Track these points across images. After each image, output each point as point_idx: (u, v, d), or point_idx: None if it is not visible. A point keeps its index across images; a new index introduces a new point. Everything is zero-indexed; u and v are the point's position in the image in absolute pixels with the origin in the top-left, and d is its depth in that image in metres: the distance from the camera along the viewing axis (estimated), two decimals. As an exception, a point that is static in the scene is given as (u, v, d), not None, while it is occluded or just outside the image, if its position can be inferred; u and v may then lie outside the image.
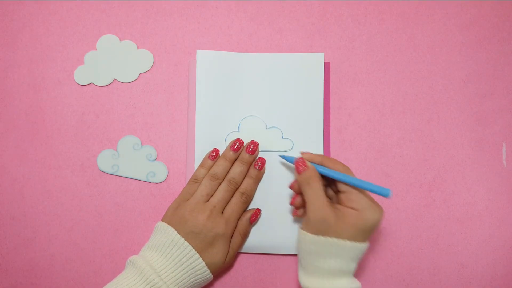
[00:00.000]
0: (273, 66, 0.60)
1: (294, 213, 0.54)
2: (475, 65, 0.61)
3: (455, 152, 0.60)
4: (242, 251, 0.58)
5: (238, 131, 0.59)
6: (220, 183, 0.55)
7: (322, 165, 0.50)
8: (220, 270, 0.54)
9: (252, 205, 0.58)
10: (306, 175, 0.49)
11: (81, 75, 0.61)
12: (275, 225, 0.58)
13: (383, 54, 0.61)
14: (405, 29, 0.61)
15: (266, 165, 0.58)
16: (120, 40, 0.61)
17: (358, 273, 0.58)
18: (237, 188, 0.56)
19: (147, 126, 0.60)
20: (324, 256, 0.47)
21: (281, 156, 0.56)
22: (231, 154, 0.56)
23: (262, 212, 0.58)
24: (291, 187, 0.53)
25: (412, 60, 0.61)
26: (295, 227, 0.58)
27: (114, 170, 0.60)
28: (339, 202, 0.50)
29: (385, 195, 0.45)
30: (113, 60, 0.61)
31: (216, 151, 0.57)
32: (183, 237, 0.52)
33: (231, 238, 0.55)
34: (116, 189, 0.60)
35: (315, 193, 0.48)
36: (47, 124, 0.60)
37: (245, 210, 0.57)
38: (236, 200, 0.55)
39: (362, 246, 0.48)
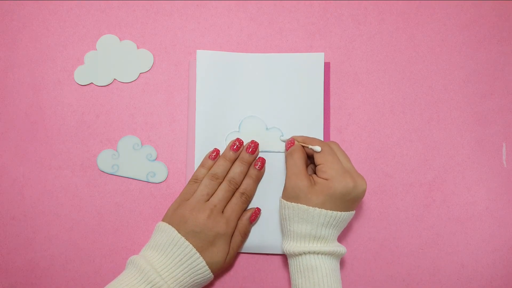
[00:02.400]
0: (273, 66, 0.60)
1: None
2: (475, 65, 0.61)
3: (455, 152, 0.60)
4: (242, 251, 0.58)
5: (238, 131, 0.59)
6: (221, 183, 0.55)
7: (303, 143, 0.54)
8: (220, 270, 0.54)
9: (252, 205, 0.58)
10: (291, 149, 0.54)
11: (81, 75, 0.61)
12: (275, 225, 0.58)
13: (383, 54, 0.61)
14: (405, 29, 0.61)
15: (266, 165, 0.58)
16: (120, 40, 0.61)
17: (358, 273, 0.58)
18: (237, 188, 0.56)
19: (147, 126, 0.60)
20: (296, 221, 0.50)
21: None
22: (231, 154, 0.56)
23: (262, 212, 0.58)
24: None
25: (412, 60, 0.61)
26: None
27: (114, 170, 0.60)
28: (316, 174, 0.52)
29: None
30: (113, 60, 0.61)
31: (216, 151, 0.57)
32: (183, 236, 0.52)
33: (232, 237, 0.55)
34: (116, 189, 0.60)
35: (294, 162, 0.52)
36: (47, 124, 0.60)
37: (245, 209, 0.57)
38: (236, 200, 0.55)
39: (333, 214, 0.49)
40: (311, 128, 0.59)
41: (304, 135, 0.55)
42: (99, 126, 0.60)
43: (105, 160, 0.60)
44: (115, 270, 0.59)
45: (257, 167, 0.57)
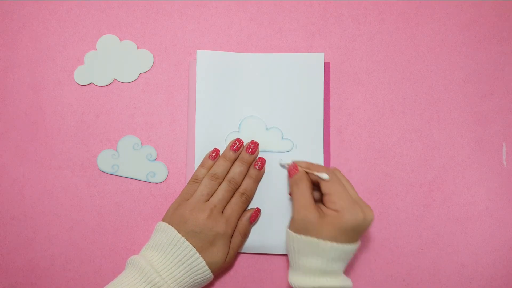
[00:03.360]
0: (273, 66, 0.60)
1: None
2: (475, 65, 0.61)
3: (455, 152, 0.60)
4: (242, 251, 0.58)
5: (238, 131, 0.59)
6: (220, 183, 0.55)
7: (308, 169, 0.52)
8: (220, 270, 0.54)
9: (252, 205, 0.58)
10: (295, 177, 0.52)
11: (81, 75, 0.61)
12: (275, 225, 0.58)
13: (383, 54, 0.61)
14: (405, 29, 0.61)
15: (266, 165, 0.58)
16: (120, 40, 0.61)
17: (358, 273, 0.58)
18: (237, 188, 0.56)
19: (147, 126, 0.60)
20: (305, 255, 0.48)
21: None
22: (231, 154, 0.56)
23: (262, 212, 0.58)
24: (290, 194, 0.55)
25: (412, 60, 0.61)
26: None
27: (114, 170, 0.60)
28: (323, 204, 0.50)
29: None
30: (113, 60, 0.61)
31: (216, 151, 0.57)
32: (183, 236, 0.52)
33: (231, 238, 0.55)
34: (116, 189, 0.60)
35: (301, 192, 0.50)
36: (47, 124, 0.60)
37: (245, 210, 0.57)
38: (236, 200, 0.55)
39: (345, 247, 0.48)
40: (311, 128, 0.59)
41: (308, 161, 0.53)
42: (99, 126, 0.60)
43: (105, 160, 0.60)
44: (115, 270, 0.59)
45: (257, 167, 0.57)
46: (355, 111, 0.60)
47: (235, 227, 0.55)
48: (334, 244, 0.47)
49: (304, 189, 0.50)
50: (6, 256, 0.60)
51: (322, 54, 0.59)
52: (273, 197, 0.58)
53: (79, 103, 0.61)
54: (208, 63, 0.59)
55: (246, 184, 0.56)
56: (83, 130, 0.60)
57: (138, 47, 0.61)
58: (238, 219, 0.56)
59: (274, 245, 0.58)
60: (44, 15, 0.62)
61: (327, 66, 0.60)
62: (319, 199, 0.53)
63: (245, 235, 0.57)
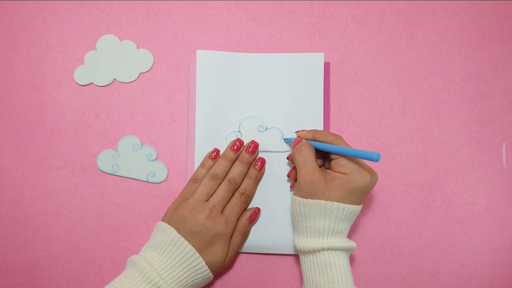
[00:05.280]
0: (273, 66, 0.60)
1: (291, 185, 0.57)
2: (475, 65, 0.61)
3: (455, 152, 0.60)
4: (242, 251, 0.58)
5: (238, 131, 0.59)
6: (220, 183, 0.55)
7: (313, 139, 0.54)
8: (220, 270, 0.54)
9: (252, 205, 0.58)
10: (299, 145, 0.53)
11: (81, 75, 0.61)
12: (275, 225, 0.58)
13: (383, 54, 0.61)
14: (405, 29, 0.61)
15: (266, 165, 0.58)
16: (120, 40, 0.61)
17: (358, 273, 0.58)
18: (237, 188, 0.56)
19: (147, 126, 0.60)
20: (313, 217, 0.50)
21: (285, 139, 0.58)
22: (231, 154, 0.56)
23: (262, 212, 0.58)
24: (288, 157, 0.56)
25: (412, 60, 0.61)
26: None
27: (114, 170, 0.60)
28: (330, 168, 0.52)
29: (374, 159, 0.46)
30: (113, 60, 0.61)
31: (216, 151, 0.57)
32: (183, 236, 0.52)
33: (231, 237, 0.55)
34: (116, 189, 0.60)
35: (305, 159, 0.51)
36: (47, 124, 0.60)
37: (245, 209, 0.57)
38: (236, 200, 0.55)
39: (351, 207, 0.50)
40: (311, 128, 0.59)
41: (313, 130, 0.55)
42: (99, 126, 0.60)
43: (105, 160, 0.60)
44: (115, 270, 0.59)
45: (257, 167, 0.57)
46: (355, 111, 0.60)
47: (235, 227, 0.55)
48: (341, 205, 0.49)
49: (308, 155, 0.51)
50: (6, 256, 0.60)
51: (322, 54, 0.59)
52: (273, 197, 0.58)
53: (79, 103, 0.61)
54: (208, 63, 0.59)
55: (246, 184, 0.56)
56: (83, 130, 0.60)
57: (138, 47, 0.61)
58: (238, 219, 0.56)
59: (274, 245, 0.58)
60: (44, 15, 0.62)
61: (327, 66, 0.60)
62: (322, 165, 0.55)
63: (245, 235, 0.57)
